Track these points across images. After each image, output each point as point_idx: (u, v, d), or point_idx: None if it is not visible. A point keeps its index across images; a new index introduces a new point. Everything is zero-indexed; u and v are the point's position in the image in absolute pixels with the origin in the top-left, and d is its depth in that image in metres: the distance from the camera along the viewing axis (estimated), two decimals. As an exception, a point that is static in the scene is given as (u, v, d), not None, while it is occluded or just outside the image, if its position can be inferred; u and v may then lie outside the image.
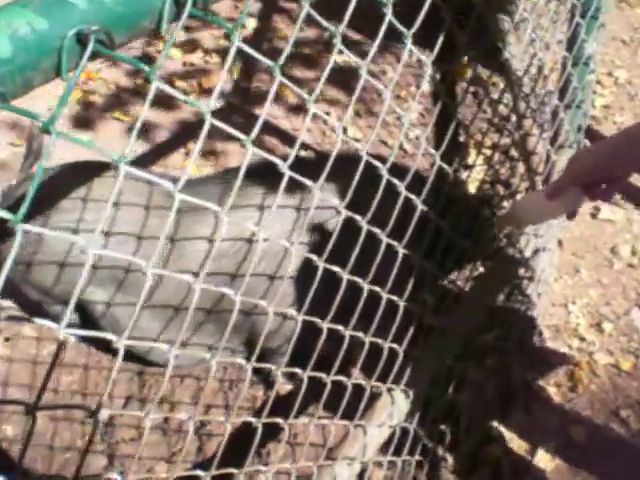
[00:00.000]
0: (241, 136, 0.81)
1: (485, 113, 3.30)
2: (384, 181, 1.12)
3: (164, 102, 3.37)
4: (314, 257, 1.07)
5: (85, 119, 3.24)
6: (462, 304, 1.92)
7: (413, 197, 1.24)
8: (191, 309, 0.86)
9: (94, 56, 0.62)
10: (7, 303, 2.28)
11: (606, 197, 1.33)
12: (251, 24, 3.89)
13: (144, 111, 0.69)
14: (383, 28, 0.97)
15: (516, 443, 2.10)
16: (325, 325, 1.14)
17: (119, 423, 2.07)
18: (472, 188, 2.97)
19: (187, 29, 3.82)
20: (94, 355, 2.25)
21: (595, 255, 2.77)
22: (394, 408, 1.61)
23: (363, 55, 3.73)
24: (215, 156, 3.08)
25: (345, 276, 1.13)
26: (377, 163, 1.12)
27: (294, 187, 1.75)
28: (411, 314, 1.48)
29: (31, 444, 2.02)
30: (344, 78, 3.51)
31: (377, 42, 0.98)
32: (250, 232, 1.75)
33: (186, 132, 3.21)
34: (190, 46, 3.70)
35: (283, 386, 2.15)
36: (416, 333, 1.57)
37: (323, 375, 1.22)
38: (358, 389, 1.43)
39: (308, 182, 0.97)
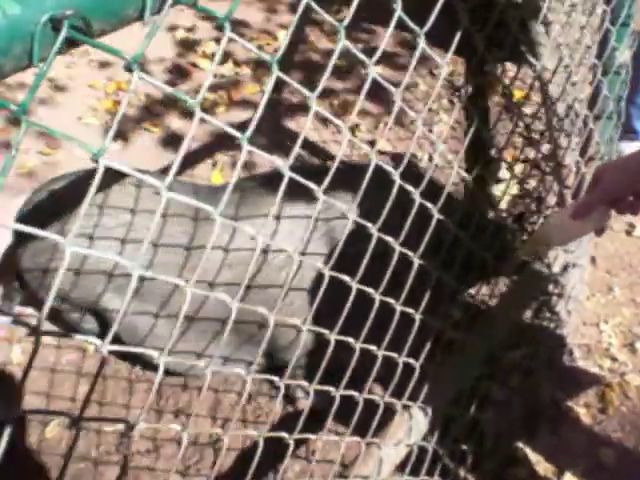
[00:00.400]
0: (236, 134, 0.78)
1: (518, 127, 3.23)
2: (396, 186, 1.07)
3: (195, 113, 3.37)
4: (320, 266, 1.03)
5: (116, 130, 3.25)
6: (486, 319, 1.86)
7: (429, 205, 1.19)
8: (181, 315, 0.83)
9: (71, 43, 0.59)
10: (29, 310, 2.28)
11: (634, 211, 1.27)
12: (282, 35, 3.89)
13: (124, 104, 0.65)
14: (392, 24, 0.93)
15: (542, 465, 2.02)
16: (333, 337, 1.09)
17: (134, 434, 2.04)
18: (503, 203, 2.91)
19: (217, 41, 3.83)
20: (113, 364, 2.23)
21: (629, 273, 2.68)
22: (412, 426, 1.55)
23: (398, 68, 3.69)
24: (245, 168, 3.07)
25: (354, 285, 1.09)
26: (389, 168, 1.07)
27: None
28: (429, 327, 1.43)
29: (46, 453, 2.01)
30: (375, 90, 3.46)
31: (388, 33, 0.94)
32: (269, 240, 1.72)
33: (215, 144, 3.20)
34: (222, 57, 3.70)
35: (303, 401, 2.11)
36: (436, 348, 1.51)
37: (332, 389, 1.17)
38: (376, 406, 1.38)
39: (312, 185, 0.93)
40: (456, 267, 1.39)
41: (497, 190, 2.90)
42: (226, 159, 3.09)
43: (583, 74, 2.33)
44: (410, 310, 1.29)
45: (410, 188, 1.13)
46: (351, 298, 1.07)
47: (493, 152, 3.17)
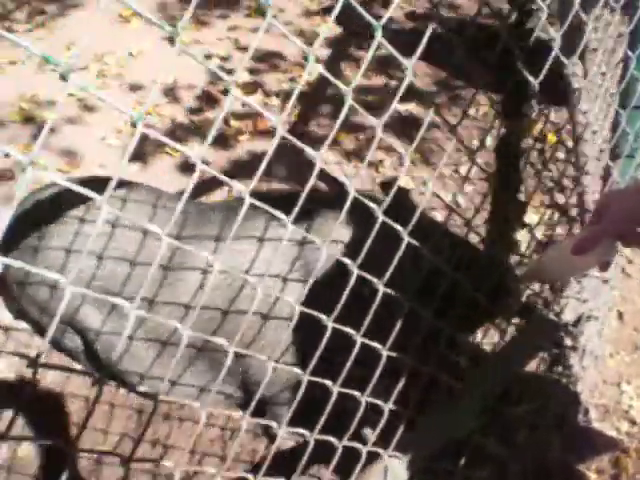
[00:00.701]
0: (167, 141, 0.69)
1: (550, 171, 3.09)
2: (351, 199, 0.97)
3: (221, 141, 3.33)
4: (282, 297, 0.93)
5: (137, 151, 3.22)
6: (484, 366, 1.72)
7: (398, 227, 1.08)
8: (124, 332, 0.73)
9: None
10: (22, 324, 2.21)
11: None
12: (318, 70, 3.84)
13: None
14: (334, 17, 0.83)
15: (545, 533, 1.85)
16: (270, 364, 0.98)
17: (107, 462, 1.94)
18: (529, 249, 2.76)
19: (251, 71, 3.80)
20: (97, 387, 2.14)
21: (658, 332, 2.50)
22: (388, 476, 1.42)
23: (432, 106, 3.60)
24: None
25: (298, 308, 0.98)
26: (345, 180, 0.97)
27: (299, 224, 1.61)
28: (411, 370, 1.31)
29: (16, 472, 1.92)
30: (404, 127, 3.39)
31: (320, 34, 0.84)
32: (246, 266, 1.61)
33: (235, 171, 3.14)
34: (252, 87, 3.67)
35: (286, 442, 1.97)
36: (413, 391, 1.38)
37: (273, 424, 1.05)
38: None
39: (238, 185, 0.83)
40: (436, 300, 1.27)
41: (520, 235, 2.76)
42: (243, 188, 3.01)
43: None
44: (377, 345, 1.17)
45: (373, 205, 1.02)
46: (292, 324, 0.96)
47: (522, 196, 3.03)
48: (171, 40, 0.69)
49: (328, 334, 1.03)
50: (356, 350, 1.10)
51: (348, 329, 1.08)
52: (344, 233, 1.57)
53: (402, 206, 1.20)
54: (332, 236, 1.56)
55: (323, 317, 1.03)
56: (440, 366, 1.34)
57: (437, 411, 1.58)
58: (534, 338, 1.80)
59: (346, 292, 1.03)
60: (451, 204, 2.96)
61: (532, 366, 1.98)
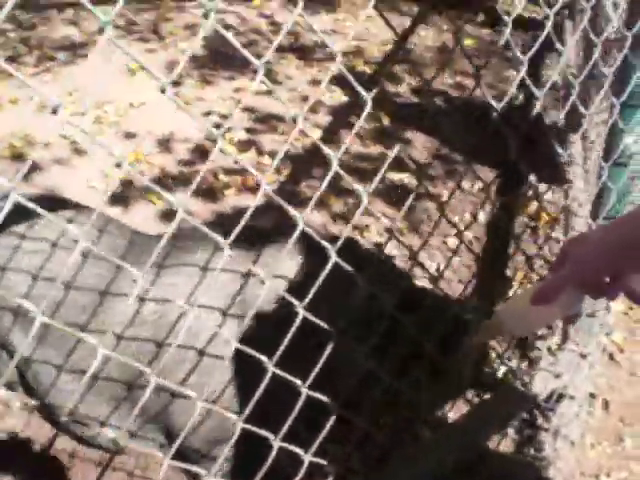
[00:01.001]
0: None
1: (541, 249, 2.97)
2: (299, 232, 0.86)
3: (208, 194, 3.27)
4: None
5: (120, 196, 3.16)
6: (440, 436, 1.56)
7: (327, 245, 0.97)
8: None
9: None
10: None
11: (611, 295, 1.00)
12: (316, 134, 3.80)
13: None
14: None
15: None
16: (151, 378, 0.85)
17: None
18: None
19: (248, 130, 3.77)
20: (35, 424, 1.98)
21: (646, 425, 2.32)
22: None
23: (427, 177, 3.52)
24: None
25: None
26: (293, 212, 0.87)
27: (241, 262, 1.50)
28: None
29: None
30: (397, 195, 3.31)
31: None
32: (179, 300, 1.49)
33: (219, 222, 3.07)
34: (246, 145, 3.62)
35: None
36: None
37: (202, 472, 0.91)
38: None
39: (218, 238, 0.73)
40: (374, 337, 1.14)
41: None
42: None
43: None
44: (297, 381, 1.03)
45: (295, 213, 0.91)
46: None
47: (509, 272, 2.91)
48: (162, 91, 0.73)
49: (232, 352, 0.90)
50: (266, 381, 0.97)
51: (260, 355, 0.95)
52: (290, 266, 1.45)
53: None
54: (277, 269, 1.44)
55: (229, 338, 0.90)
56: (377, 416, 1.19)
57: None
58: (499, 408, 1.65)
59: (253, 311, 0.91)
60: (435, 274, 2.84)
61: (494, 443, 1.81)
